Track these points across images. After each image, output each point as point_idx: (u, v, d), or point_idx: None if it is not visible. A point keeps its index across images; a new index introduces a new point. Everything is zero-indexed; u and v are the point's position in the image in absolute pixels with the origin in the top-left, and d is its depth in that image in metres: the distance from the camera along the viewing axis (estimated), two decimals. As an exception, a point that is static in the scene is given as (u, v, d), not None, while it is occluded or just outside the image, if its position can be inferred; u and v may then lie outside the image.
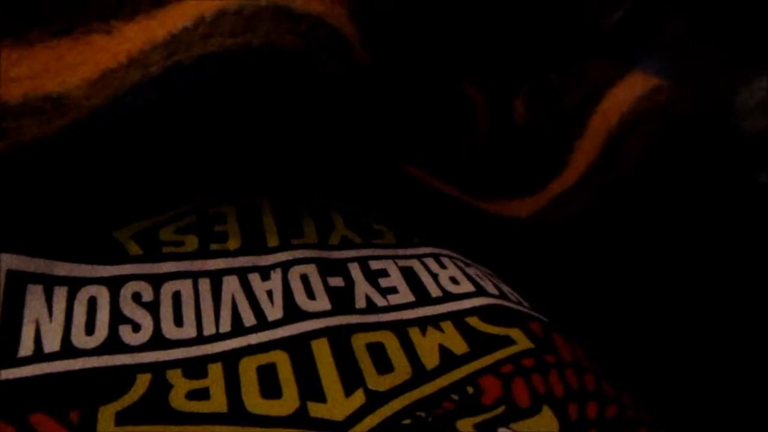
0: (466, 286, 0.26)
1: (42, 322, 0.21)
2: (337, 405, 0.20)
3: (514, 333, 0.24)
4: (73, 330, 0.21)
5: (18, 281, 0.21)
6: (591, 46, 0.39)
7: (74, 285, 0.22)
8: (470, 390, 0.21)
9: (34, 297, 0.21)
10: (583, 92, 0.37)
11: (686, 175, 0.34)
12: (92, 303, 0.22)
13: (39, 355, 0.20)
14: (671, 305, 0.33)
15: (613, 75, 0.36)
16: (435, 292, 0.25)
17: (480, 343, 0.23)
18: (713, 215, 0.34)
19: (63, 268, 0.22)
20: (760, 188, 0.35)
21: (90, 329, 0.21)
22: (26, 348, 0.20)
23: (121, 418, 0.19)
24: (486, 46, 0.40)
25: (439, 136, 0.37)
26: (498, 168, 0.38)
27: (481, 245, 0.30)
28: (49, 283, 0.22)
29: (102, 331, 0.21)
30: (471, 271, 0.27)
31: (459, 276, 0.26)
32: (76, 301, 0.21)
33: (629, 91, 0.35)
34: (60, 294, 0.21)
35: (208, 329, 0.22)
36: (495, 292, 0.26)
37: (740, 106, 0.36)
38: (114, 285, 0.22)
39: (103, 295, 0.22)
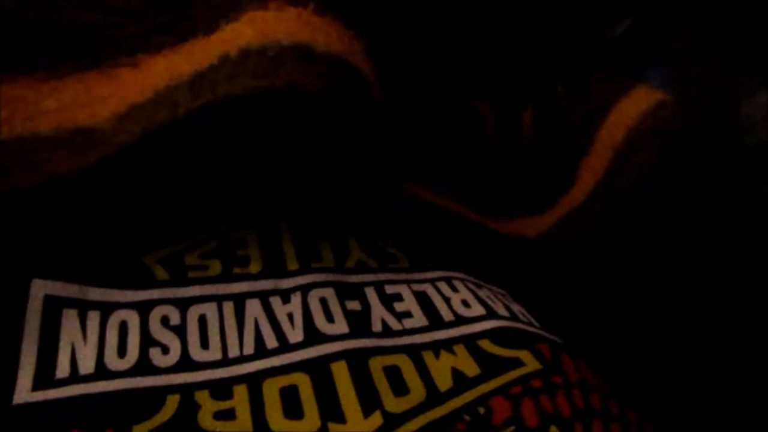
0: (477, 309, 0.27)
1: (77, 345, 0.22)
2: (356, 426, 0.21)
3: (524, 355, 0.25)
4: (107, 353, 0.22)
5: (54, 306, 0.22)
6: (596, 59, 0.40)
7: (106, 309, 0.23)
8: (481, 411, 0.22)
9: (70, 321, 0.22)
10: (589, 107, 0.38)
11: (691, 190, 0.35)
12: (123, 327, 0.23)
13: (75, 376, 0.21)
14: (678, 320, 0.34)
15: (617, 90, 0.37)
16: (447, 316, 0.26)
17: (491, 366, 0.24)
18: (718, 228, 0.35)
19: (96, 294, 0.23)
20: (763, 200, 0.35)
21: (122, 352, 0.22)
22: (63, 370, 0.21)
23: None
24: (493, 61, 0.40)
25: (447, 152, 0.38)
26: (506, 184, 0.38)
27: (491, 265, 0.31)
28: (83, 307, 0.23)
29: (133, 353, 0.22)
30: (482, 293, 0.28)
31: (470, 299, 0.27)
32: (108, 325, 0.23)
33: (634, 106, 0.35)
34: (93, 318, 0.23)
35: (233, 351, 0.23)
36: (505, 313, 0.27)
37: (744, 119, 0.37)
38: (143, 309, 0.23)
39: (133, 319, 0.23)
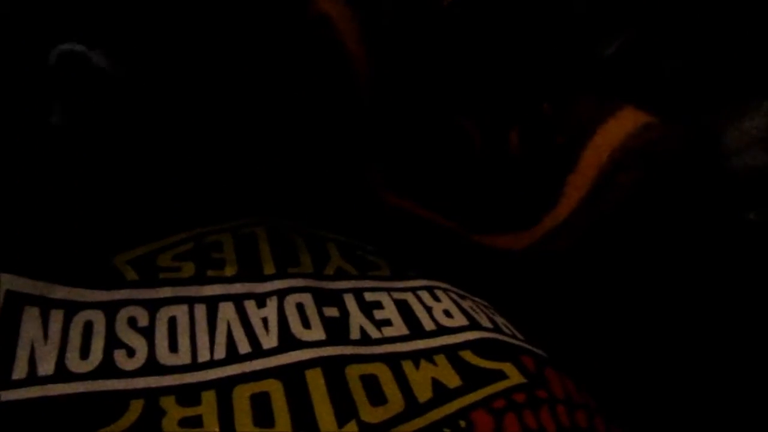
0: (460, 320, 0.26)
1: (37, 344, 0.21)
2: None
3: (507, 367, 0.24)
4: (68, 354, 0.21)
5: (15, 302, 0.21)
6: (585, 79, 0.40)
7: (71, 308, 0.22)
8: (462, 424, 0.21)
9: (31, 319, 0.21)
10: (576, 127, 0.38)
11: (675, 211, 0.35)
12: (88, 327, 0.22)
13: (33, 377, 0.20)
14: (660, 337, 0.33)
15: (605, 111, 0.37)
16: (429, 325, 0.25)
17: (472, 377, 0.23)
18: (701, 251, 0.35)
19: (60, 292, 0.22)
20: (748, 226, 0.35)
21: (85, 353, 0.21)
22: (20, 370, 0.20)
23: None
24: (481, 79, 0.40)
25: (433, 168, 0.37)
26: (492, 201, 0.38)
27: (475, 276, 0.31)
28: (46, 305, 0.22)
29: (97, 355, 0.21)
30: (465, 304, 0.27)
31: (453, 309, 0.26)
32: (72, 325, 0.21)
33: (620, 127, 0.36)
34: (56, 317, 0.22)
35: (203, 356, 0.22)
36: (489, 325, 0.26)
37: (731, 144, 0.37)
38: (110, 310, 0.22)
39: (99, 319, 0.22)
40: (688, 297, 0.34)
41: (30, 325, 0.21)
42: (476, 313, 0.27)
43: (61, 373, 0.20)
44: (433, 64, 0.38)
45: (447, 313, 0.26)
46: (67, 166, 0.27)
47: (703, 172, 0.37)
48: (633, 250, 0.34)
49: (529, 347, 0.26)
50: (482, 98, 0.41)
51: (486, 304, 0.29)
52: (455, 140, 0.40)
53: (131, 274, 0.24)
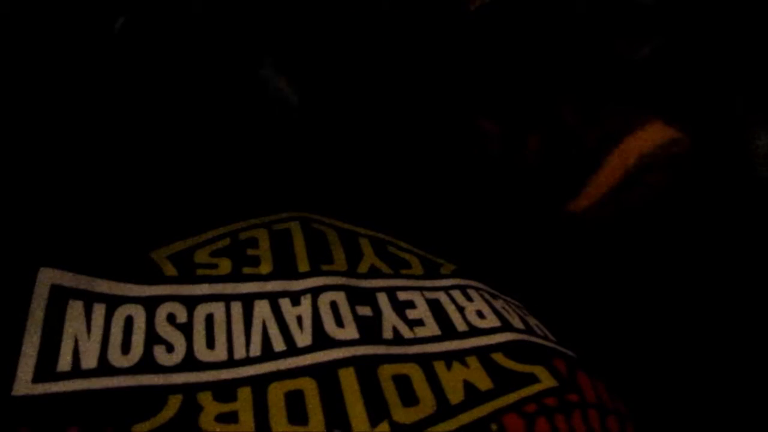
0: (492, 321, 0.26)
1: (81, 338, 0.21)
2: None
3: (538, 370, 0.24)
4: (110, 348, 0.21)
5: (60, 296, 0.22)
6: (613, 84, 0.40)
7: (112, 303, 0.23)
8: (494, 427, 0.22)
9: (75, 313, 0.22)
10: (602, 133, 0.38)
11: (697, 215, 0.35)
12: (129, 322, 0.22)
13: (77, 371, 0.20)
14: (678, 337, 0.33)
15: (633, 121, 0.37)
16: (461, 326, 0.25)
17: (504, 380, 0.23)
18: (723, 254, 0.34)
19: (103, 286, 0.23)
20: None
21: (126, 348, 0.22)
22: (65, 363, 0.21)
23: None
24: (505, 80, 0.40)
25: (451, 167, 0.38)
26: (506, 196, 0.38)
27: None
28: (89, 299, 0.22)
29: (137, 350, 0.22)
30: (498, 304, 0.27)
31: (485, 310, 0.26)
32: (113, 320, 0.22)
33: (648, 138, 0.36)
34: (99, 311, 0.22)
35: (239, 353, 0.22)
36: (521, 326, 0.26)
37: (759, 151, 0.37)
38: (150, 305, 0.23)
39: (139, 314, 0.23)
40: (702, 297, 0.34)
41: (74, 319, 0.22)
42: (508, 313, 0.27)
43: (104, 367, 0.21)
44: (458, 64, 0.39)
45: (479, 314, 0.26)
46: (105, 163, 0.27)
47: (728, 182, 0.37)
48: (654, 248, 0.35)
49: (561, 349, 0.26)
50: (504, 100, 0.41)
51: (518, 303, 0.29)
52: (473, 139, 0.40)
53: (170, 270, 0.24)
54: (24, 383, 0.20)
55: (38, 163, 0.26)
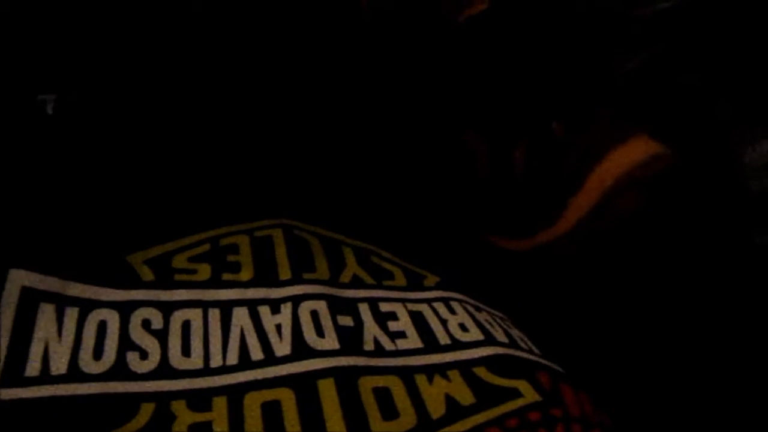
0: (475, 334, 0.25)
1: (51, 342, 0.21)
2: None
3: (522, 385, 0.24)
4: (81, 353, 0.21)
5: (31, 299, 0.21)
6: (599, 96, 0.40)
7: (86, 307, 0.22)
8: None
9: (46, 316, 0.21)
10: (585, 150, 0.38)
11: (678, 235, 0.35)
12: (102, 327, 0.22)
13: (46, 376, 0.20)
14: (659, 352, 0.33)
15: (616, 136, 0.37)
16: (443, 339, 0.25)
17: (487, 395, 0.23)
18: (705, 272, 0.34)
19: (76, 289, 0.22)
20: (758, 249, 0.35)
21: (98, 354, 0.21)
22: (33, 368, 0.20)
23: None
24: (490, 94, 0.40)
25: (437, 183, 0.38)
26: (493, 213, 0.38)
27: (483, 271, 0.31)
28: (61, 303, 0.22)
29: (110, 356, 0.21)
30: (481, 317, 0.27)
31: (468, 323, 0.26)
32: (86, 324, 0.21)
33: (629, 155, 0.36)
34: (71, 315, 0.21)
35: (215, 361, 0.22)
36: (504, 339, 0.26)
37: (748, 165, 0.37)
38: (125, 310, 0.22)
39: (113, 319, 0.22)
40: (687, 313, 0.34)
41: (45, 322, 0.21)
42: (492, 326, 0.26)
43: (74, 373, 0.20)
44: (442, 77, 0.39)
45: (462, 327, 0.26)
46: (82, 163, 0.27)
47: (711, 198, 0.37)
48: (631, 268, 0.34)
49: (545, 362, 0.26)
50: (490, 113, 0.41)
51: (502, 315, 0.28)
52: (459, 156, 0.40)
53: (147, 274, 0.24)
54: None
55: (11, 163, 0.26)
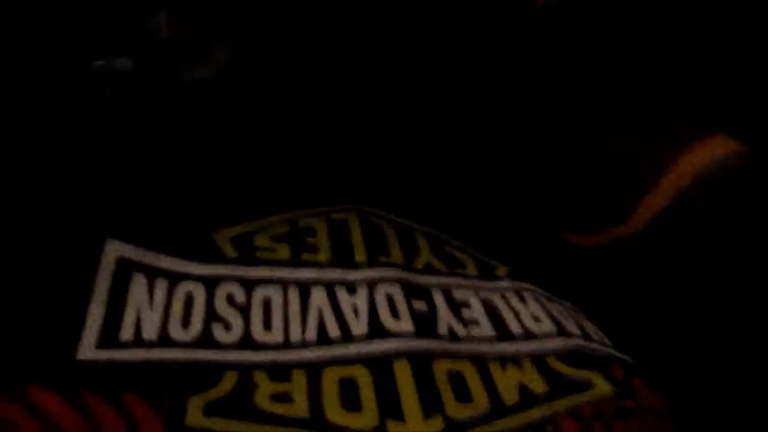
0: (548, 326, 0.25)
1: (143, 310, 0.22)
2: (416, 427, 0.20)
3: (594, 376, 0.23)
4: (170, 322, 0.22)
5: (126, 268, 0.22)
6: (671, 98, 0.39)
7: (174, 279, 0.23)
8: (549, 429, 0.21)
9: (139, 286, 0.22)
10: (658, 148, 0.37)
11: (753, 234, 0.34)
12: (189, 298, 0.23)
13: (138, 341, 0.21)
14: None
15: (692, 135, 0.36)
16: (516, 328, 0.25)
17: (559, 385, 0.23)
18: None
19: (166, 262, 0.23)
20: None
21: (185, 323, 0.22)
22: (127, 333, 0.21)
23: (209, 410, 0.20)
24: (560, 87, 0.40)
25: (509, 176, 0.37)
26: (564, 207, 0.38)
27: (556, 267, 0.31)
28: (153, 274, 0.23)
29: (197, 326, 0.22)
30: (553, 308, 0.27)
31: (540, 314, 0.26)
32: (174, 295, 0.22)
33: (708, 153, 0.35)
34: (161, 286, 0.23)
35: (295, 336, 0.22)
36: (577, 331, 0.26)
37: None
38: (210, 284, 0.23)
39: (199, 292, 0.23)
40: (759, 312, 0.33)
41: (138, 291, 0.22)
42: (564, 318, 0.26)
43: (164, 340, 0.21)
44: (518, 68, 0.38)
45: (535, 318, 0.26)
46: (175, 147, 0.28)
47: None
48: (704, 266, 0.34)
49: (618, 355, 0.25)
50: (557, 107, 0.40)
51: (574, 307, 0.28)
52: (533, 147, 0.39)
53: (230, 251, 0.24)
54: (88, 348, 0.20)
55: (112, 143, 0.27)
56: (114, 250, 0.23)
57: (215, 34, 0.29)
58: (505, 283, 0.27)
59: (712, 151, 0.35)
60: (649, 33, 0.39)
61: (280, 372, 0.21)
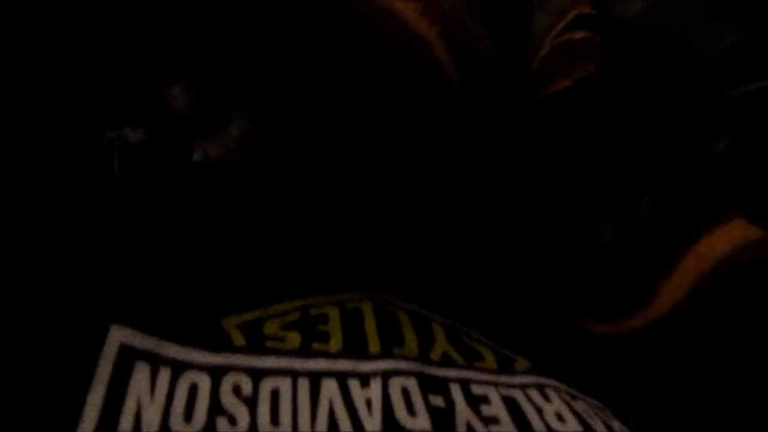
0: (573, 425, 0.24)
1: (144, 402, 0.20)
2: None
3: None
4: (172, 414, 0.20)
5: (128, 356, 0.21)
6: (692, 177, 0.39)
7: (179, 368, 0.22)
8: None
9: (141, 374, 0.21)
10: (676, 232, 0.36)
11: None
12: (193, 389, 0.21)
13: None
14: None
15: (712, 218, 0.35)
16: (539, 427, 0.23)
17: None
18: None
19: (171, 350, 0.22)
20: None
21: (188, 416, 0.21)
22: (126, 424, 0.20)
23: None
24: (575, 169, 0.40)
25: (526, 263, 0.37)
26: (582, 293, 0.37)
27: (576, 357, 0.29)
28: (156, 362, 0.22)
29: (200, 419, 0.21)
30: (578, 406, 0.25)
31: (565, 412, 0.24)
32: (178, 385, 0.21)
33: (728, 238, 0.34)
34: (164, 376, 0.21)
35: (304, 430, 0.21)
36: (603, 430, 0.24)
37: None
38: (216, 374, 0.22)
39: (204, 383, 0.22)
40: None
41: (139, 380, 0.21)
42: (590, 417, 0.25)
43: None
44: (530, 152, 0.38)
45: (559, 417, 0.24)
46: (184, 229, 0.28)
47: None
48: (728, 356, 0.33)
49: None
50: (576, 189, 0.40)
51: (600, 405, 0.27)
52: (546, 231, 0.39)
53: (239, 339, 0.23)
54: None
55: (120, 224, 0.27)
56: (117, 336, 0.22)
57: (233, 108, 0.29)
58: (526, 378, 0.26)
59: (732, 237, 0.34)
60: (666, 116, 0.40)
61: None
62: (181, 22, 0.29)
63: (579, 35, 0.36)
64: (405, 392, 0.23)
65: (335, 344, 0.24)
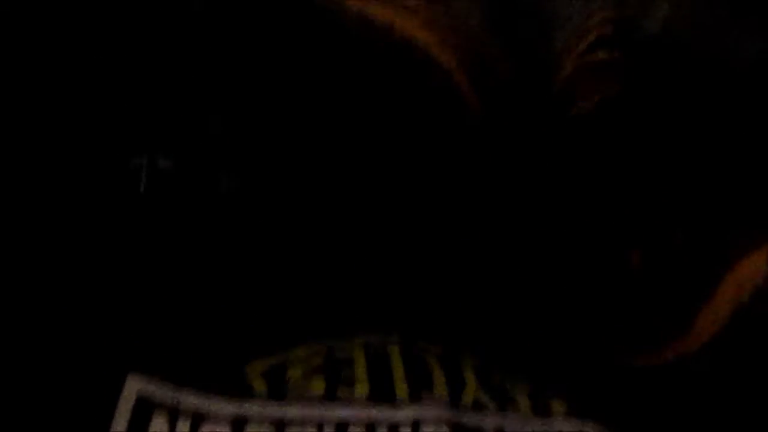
0: (618, 474, 0.22)
1: None
2: None
3: None
4: None
5: (146, 407, 0.21)
6: (727, 205, 0.38)
7: (198, 419, 0.21)
8: None
9: (159, 427, 0.20)
10: (711, 258, 0.35)
11: None
12: None
13: None
14: None
15: (749, 243, 0.34)
16: None
17: None
18: None
19: (190, 399, 0.21)
20: None
21: None
22: None
23: None
24: (607, 193, 0.39)
25: (556, 298, 0.36)
26: (614, 325, 0.36)
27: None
28: (174, 413, 0.21)
29: None
30: (621, 456, 0.24)
31: None
32: None
33: (762, 262, 0.33)
34: (183, 428, 0.21)
35: None
36: None
37: None
38: (237, 424, 0.21)
39: None
40: None
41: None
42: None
43: None
44: (558, 180, 0.37)
45: (602, 465, 0.23)
46: (204, 274, 0.27)
47: None
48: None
49: None
50: (606, 214, 0.39)
51: None
52: (575, 263, 0.38)
53: (261, 386, 0.23)
54: None
55: (136, 270, 0.26)
56: (134, 386, 0.21)
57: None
58: (564, 425, 0.24)
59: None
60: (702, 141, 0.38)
61: None
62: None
63: (601, 55, 0.35)
64: None
65: (361, 389, 0.23)
